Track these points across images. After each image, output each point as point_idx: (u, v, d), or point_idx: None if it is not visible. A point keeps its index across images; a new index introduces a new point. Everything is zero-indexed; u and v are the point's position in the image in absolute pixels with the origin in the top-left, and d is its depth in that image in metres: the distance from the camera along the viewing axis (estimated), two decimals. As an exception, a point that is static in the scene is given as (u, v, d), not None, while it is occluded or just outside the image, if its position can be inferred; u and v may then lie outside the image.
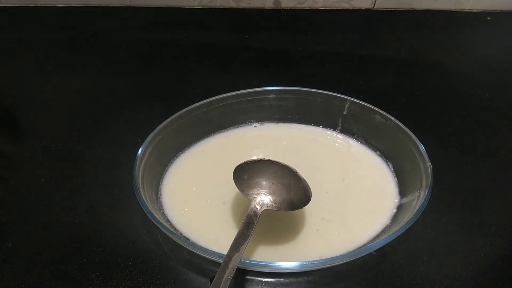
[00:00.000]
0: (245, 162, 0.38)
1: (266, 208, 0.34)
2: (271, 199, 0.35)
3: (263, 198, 0.35)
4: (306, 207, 0.36)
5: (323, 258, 0.32)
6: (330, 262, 0.32)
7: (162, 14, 0.89)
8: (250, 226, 0.32)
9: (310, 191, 0.36)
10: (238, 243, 0.31)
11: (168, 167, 0.45)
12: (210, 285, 0.33)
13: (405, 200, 0.40)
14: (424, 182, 0.37)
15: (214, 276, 0.35)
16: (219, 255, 0.31)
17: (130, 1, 0.92)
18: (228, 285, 0.28)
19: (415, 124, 0.44)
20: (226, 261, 0.29)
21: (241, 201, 0.41)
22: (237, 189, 0.37)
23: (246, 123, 0.51)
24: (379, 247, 0.32)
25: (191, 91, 0.62)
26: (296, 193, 0.36)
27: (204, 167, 0.46)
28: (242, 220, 0.33)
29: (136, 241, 0.38)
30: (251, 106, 0.50)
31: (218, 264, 0.35)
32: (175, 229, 0.38)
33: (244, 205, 0.40)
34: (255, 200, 0.35)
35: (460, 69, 0.67)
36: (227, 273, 0.28)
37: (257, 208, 0.34)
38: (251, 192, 0.36)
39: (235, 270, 0.29)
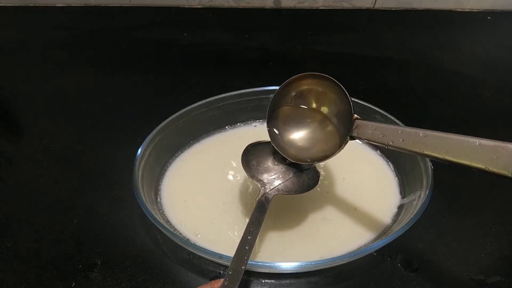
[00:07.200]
0: (250, 145, 0.38)
1: (276, 193, 0.35)
2: (281, 183, 0.36)
3: (273, 183, 0.36)
4: (306, 208, 0.36)
5: (323, 259, 0.32)
6: (330, 263, 0.32)
7: (162, 14, 0.89)
8: (262, 211, 0.33)
9: (318, 172, 0.37)
10: (251, 228, 0.31)
11: (167, 167, 0.45)
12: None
13: (405, 200, 0.40)
14: (425, 182, 0.37)
15: (214, 276, 0.35)
16: (219, 255, 0.31)
17: (130, 1, 0.92)
18: (246, 263, 0.29)
19: (415, 124, 0.43)
20: (242, 245, 0.29)
21: (241, 201, 0.41)
22: (237, 189, 0.37)
23: (246, 123, 0.51)
24: (379, 247, 0.32)
25: (191, 91, 0.62)
26: (305, 174, 0.37)
27: (204, 167, 0.46)
28: (253, 207, 0.33)
29: (136, 241, 0.38)
30: (251, 106, 0.50)
31: (218, 264, 0.35)
32: (175, 229, 0.38)
33: (244, 205, 0.40)
34: (266, 185, 0.35)
35: (460, 69, 0.67)
36: (243, 255, 0.29)
37: (268, 193, 0.34)
38: (260, 178, 0.36)
39: (251, 252, 0.29)
